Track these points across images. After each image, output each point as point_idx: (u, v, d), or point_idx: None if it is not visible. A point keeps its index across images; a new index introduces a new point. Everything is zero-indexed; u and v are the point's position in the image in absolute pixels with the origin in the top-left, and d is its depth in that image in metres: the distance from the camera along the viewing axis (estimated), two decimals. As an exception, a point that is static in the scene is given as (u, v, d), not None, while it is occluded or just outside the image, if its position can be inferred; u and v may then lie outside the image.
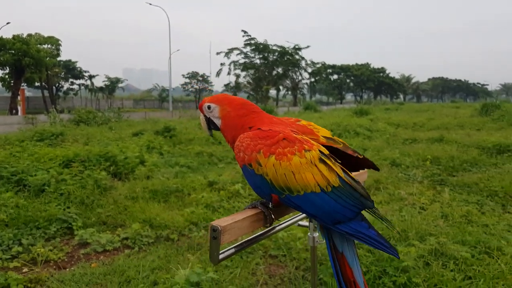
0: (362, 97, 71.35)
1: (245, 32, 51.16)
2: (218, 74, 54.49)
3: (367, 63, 70.68)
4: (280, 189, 1.29)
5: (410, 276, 2.94)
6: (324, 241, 1.35)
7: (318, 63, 57.43)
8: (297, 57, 53.05)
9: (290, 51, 52.43)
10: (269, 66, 53.45)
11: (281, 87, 56.97)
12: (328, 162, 1.30)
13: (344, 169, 1.34)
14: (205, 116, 1.54)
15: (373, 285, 3.03)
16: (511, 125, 14.67)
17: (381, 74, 70.65)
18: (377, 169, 1.50)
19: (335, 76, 67.61)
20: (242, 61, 52.74)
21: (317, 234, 1.73)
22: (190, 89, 59.96)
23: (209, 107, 1.50)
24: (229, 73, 53.29)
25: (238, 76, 53.51)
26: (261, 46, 51.63)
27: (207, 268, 3.42)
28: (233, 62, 52.46)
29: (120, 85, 57.12)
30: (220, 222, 1.22)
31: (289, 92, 58.22)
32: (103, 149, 7.39)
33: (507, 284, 2.81)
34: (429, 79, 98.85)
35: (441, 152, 8.80)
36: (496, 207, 5.26)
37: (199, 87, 59.32)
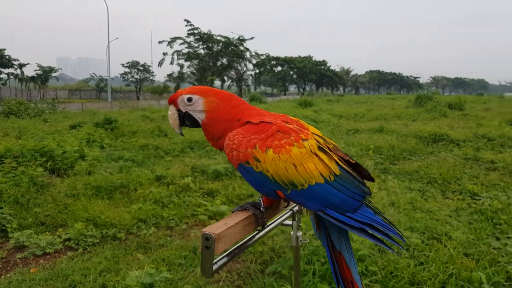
0: (305, 89, 72.81)
1: (188, 21, 50.08)
2: (160, 63, 52.98)
3: (310, 56, 72.12)
4: (284, 185, 1.19)
5: (367, 265, 2.99)
6: (308, 240, 1.28)
7: (262, 54, 57.59)
8: (241, 48, 52.87)
9: (234, 42, 52.14)
10: (214, 57, 52.84)
11: (226, 78, 56.60)
12: (326, 150, 1.24)
13: (342, 154, 1.28)
14: (178, 110, 1.35)
15: (331, 275, 3.04)
16: (442, 116, 15.65)
17: (323, 67, 72.42)
18: (372, 179, 1.34)
19: (279, 68, 68.23)
20: (185, 51, 51.64)
21: (300, 233, 1.65)
22: (130, 79, 57.71)
23: (189, 99, 1.32)
24: (172, 63, 51.95)
25: (181, 66, 52.37)
26: (205, 36, 50.84)
27: (160, 268, 3.26)
28: (176, 51, 51.20)
29: (53, 74, 53.62)
30: (212, 229, 1.09)
31: (234, 83, 58.02)
32: (38, 143, 6.85)
33: (457, 268, 2.94)
34: (366, 72, 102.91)
35: (382, 142, 9.15)
36: (437, 193, 5.54)
37: (140, 76, 57.26)
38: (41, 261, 3.61)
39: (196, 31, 50.97)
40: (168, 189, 5.58)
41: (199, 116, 1.33)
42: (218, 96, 1.33)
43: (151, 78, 58.41)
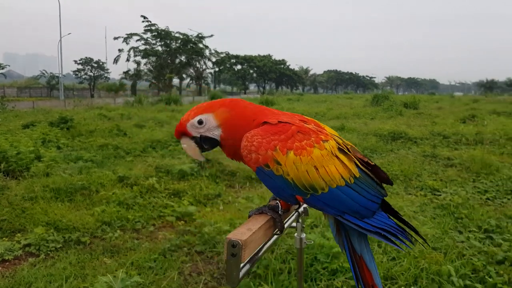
0: (265, 87, 73.29)
1: (144, 17, 48.99)
2: (116, 60, 51.57)
3: (269, 55, 72.70)
4: (304, 189, 1.15)
5: (341, 262, 3.01)
6: (312, 242, 1.25)
7: (222, 52, 57.45)
8: (200, 45, 52.43)
9: (193, 39, 51.59)
10: (172, 54, 52.06)
11: (184, 76, 55.92)
12: (346, 151, 1.21)
13: (360, 155, 1.26)
14: (193, 138, 1.24)
15: (306, 272, 3.04)
16: (399, 114, 16.19)
17: (282, 66, 73.21)
18: (390, 182, 1.31)
19: (239, 67, 68.33)
20: (142, 47, 50.51)
21: (304, 235, 1.61)
22: (84, 76, 55.55)
23: (200, 122, 1.22)
24: (128, 60, 50.72)
25: (138, 63, 51.21)
26: (163, 33, 49.98)
27: (130, 272, 3.13)
28: (133, 48, 50.03)
29: (0, 71, 50.76)
30: (237, 235, 1.03)
31: (193, 81, 57.44)
32: (-12, 143, 6.43)
33: (427, 262, 3.02)
34: (324, 72, 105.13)
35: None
36: (400, 189, 5.70)
37: (93, 74, 55.25)
38: (0, 268, 3.37)
39: (153, 28, 49.97)
40: (132, 190, 5.39)
41: (216, 133, 1.24)
42: (227, 105, 1.26)
43: (105, 75, 56.48)
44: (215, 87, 69.50)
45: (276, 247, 3.30)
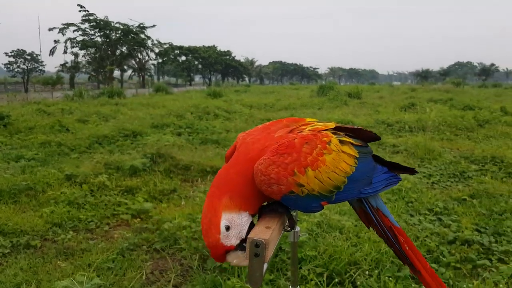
0: (211, 79, 72.63)
1: (81, 6, 46.51)
2: (52, 52, 48.63)
3: (214, 46, 71.94)
4: (329, 193, 1.17)
5: (306, 251, 3.05)
6: (306, 235, 1.25)
7: (165, 43, 55.99)
8: (142, 36, 50.77)
9: (134, 30, 49.83)
10: (112, 45, 49.96)
11: (126, 68, 53.99)
12: (344, 139, 1.26)
13: (346, 128, 1.34)
14: (238, 246, 1.07)
15: (271, 263, 3.06)
16: (344, 104, 16.73)
17: (228, 57, 72.82)
18: (378, 138, 1.41)
19: (183, 58, 67.07)
20: (80, 38, 48.00)
21: (298, 228, 1.59)
22: (16, 69, 51.90)
23: (227, 228, 1.05)
24: (65, 52, 47.99)
25: (76, 55, 48.64)
26: (102, 23, 47.79)
27: (88, 274, 2.97)
28: (70, 39, 47.37)
29: None
30: (259, 234, 0.98)
31: (136, 73, 55.65)
32: None
33: (386, 245, 3.14)
34: (270, 63, 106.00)
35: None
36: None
37: (27, 67, 51.79)
38: None
39: (91, 18, 47.63)
40: (82, 188, 5.13)
41: (246, 219, 1.10)
42: (231, 183, 1.12)
43: (40, 68, 53.18)
44: (158, 79, 67.86)
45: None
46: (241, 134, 1.36)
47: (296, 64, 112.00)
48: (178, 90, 38.82)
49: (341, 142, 1.23)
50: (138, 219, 4.39)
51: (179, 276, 3.15)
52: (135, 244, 3.67)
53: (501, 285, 2.72)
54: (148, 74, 57.13)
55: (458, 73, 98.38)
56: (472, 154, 6.70)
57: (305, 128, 1.25)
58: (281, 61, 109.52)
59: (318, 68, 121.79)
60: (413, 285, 2.76)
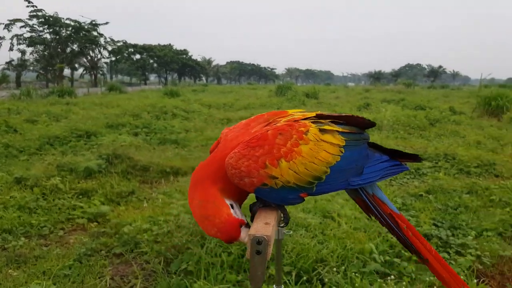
0: (167, 78, 71.36)
1: (29, 1, 44.17)
2: (-4, 49, 45.84)
3: (170, 44, 70.72)
4: (308, 184, 1.11)
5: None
6: (291, 232, 1.21)
7: (119, 41, 54.27)
8: (94, 33, 48.98)
9: (86, 27, 47.97)
10: (62, 42, 47.84)
11: (77, 66, 51.88)
12: (327, 127, 1.20)
13: (334, 116, 1.29)
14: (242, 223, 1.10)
15: (239, 264, 3.01)
16: (302, 104, 16.97)
17: (184, 56, 71.80)
18: (374, 124, 1.36)
19: (138, 56, 65.39)
20: (27, 35, 45.60)
21: (283, 225, 1.54)
22: (-43, 67, 48.51)
23: (232, 206, 1.13)
24: (11, 49, 45.40)
25: (23, 52, 46.13)
26: (51, 19, 45.63)
27: (43, 283, 2.79)
28: (16, 36, 44.88)
29: None
30: (260, 231, 0.94)
31: (87, 72, 53.63)
32: None
33: (351, 242, 3.18)
34: (227, 63, 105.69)
35: (255, 130, 9.48)
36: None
37: (-31, 64, 48.54)
38: None
39: (39, 13, 45.38)
40: (33, 192, 4.84)
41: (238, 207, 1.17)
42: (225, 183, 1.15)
43: (-17, 65, 49.98)
44: (111, 78, 65.83)
45: (207, 240, 3.21)
46: (225, 130, 1.35)
47: (253, 64, 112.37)
48: (132, 89, 37.79)
49: (322, 130, 1.19)
50: (95, 223, 4.19)
51: (143, 281, 3.03)
52: (93, 249, 3.50)
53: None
54: (101, 72, 55.20)
55: (409, 74, 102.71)
56: (426, 151, 6.97)
57: (281, 120, 1.22)
58: (238, 61, 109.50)
59: (275, 69, 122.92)
60: (378, 280, 2.81)
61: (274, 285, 1.68)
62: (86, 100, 16.93)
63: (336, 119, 1.28)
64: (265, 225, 0.99)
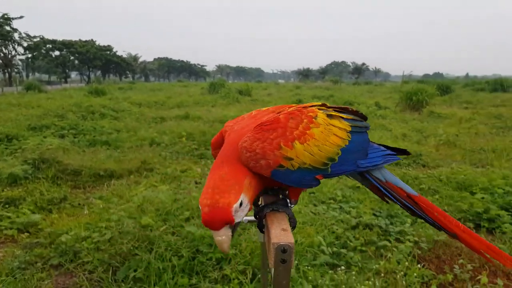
0: (90, 76, 67.73)
1: None
2: None
3: (92, 40, 67.14)
4: (323, 166, 1.14)
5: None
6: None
7: (35, 36, 50.60)
8: (7, 28, 45.12)
9: (-3, 21, 44.01)
10: (-31, 38, 43.52)
11: (-12, 64, 47.51)
12: (333, 113, 1.26)
13: (337, 108, 1.32)
14: (231, 226, 1.02)
15: (190, 266, 2.93)
16: (236, 101, 17.01)
17: (108, 52, 68.60)
18: (365, 117, 1.39)
19: (57, 53, 61.32)
20: None
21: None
22: None
23: (241, 204, 1.02)
24: None
25: None
26: (-46, 12, 41.27)
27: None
28: None
29: None
30: (283, 238, 0.89)
31: (0, 70, 49.30)
32: None
33: (301, 236, 3.24)
34: (155, 59, 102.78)
35: (192, 128, 9.29)
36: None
37: None
38: None
39: None
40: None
41: (247, 208, 1.06)
42: (230, 162, 1.09)
43: None
44: (27, 76, 61.19)
45: (155, 245, 3.08)
46: (228, 123, 1.33)
47: (183, 61, 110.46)
48: (52, 88, 35.36)
49: (330, 116, 1.24)
50: (26, 234, 3.85)
51: (87, 292, 2.83)
52: (27, 262, 3.21)
53: (406, 263, 2.99)
54: (16, 70, 51.05)
55: (335, 71, 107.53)
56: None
57: (289, 109, 1.24)
58: (167, 58, 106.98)
59: (205, 66, 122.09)
60: (329, 271, 2.88)
61: None
62: (1, 101, 15.51)
63: (338, 109, 1.33)
64: (283, 232, 0.95)
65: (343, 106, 1.36)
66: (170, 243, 3.11)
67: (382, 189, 1.32)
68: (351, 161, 1.23)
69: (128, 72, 78.17)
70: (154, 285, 2.74)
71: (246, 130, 1.16)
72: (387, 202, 1.40)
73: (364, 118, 1.39)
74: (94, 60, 64.66)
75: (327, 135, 1.18)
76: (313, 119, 1.18)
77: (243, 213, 1.04)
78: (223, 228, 0.99)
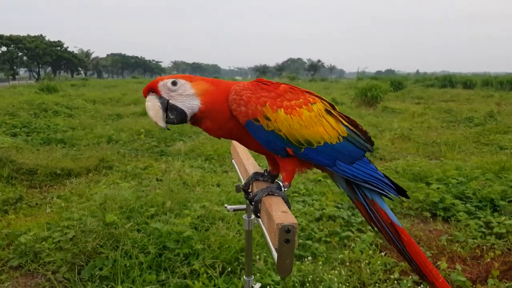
0: (39, 72, 64.62)
1: None
2: None
3: (42, 35, 64.05)
4: (298, 144, 1.15)
5: (192, 244, 2.98)
6: (257, 223, 1.18)
7: (-22, 30, 47.50)
8: None
9: None
10: None
11: None
12: (334, 113, 1.26)
13: (344, 116, 1.31)
14: (160, 98, 1.14)
15: (157, 263, 2.90)
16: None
17: (59, 48, 65.75)
18: (372, 142, 1.35)
19: (4, 48, 58.04)
20: None
21: (253, 217, 1.48)
22: None
23: (174, 83, 1.14)
24: None
25: None
26: None
27: None
28: None
29: None
30: (286, 219, 0.91)
31: None
32: None
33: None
34: (108, 55, 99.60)
35: (151, 125, 9.10)
36: (217, 167, 5.98)
37: None
38: None
39: None
40: None
41: (191, 103, 1.14)
42: (205, 80, 1.20)
43: None
44: (-30, 73, 57.62)
45: (120, 243, 3.02)
46: None
47: (137, 57, 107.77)
48: (-1, 85, 33.46)
49: (328, 112, 1.25)
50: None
51: (49, 293, 2.74)
52: (-20, 266, 3.05)
53: (369, 252, 3.11)
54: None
55: (291, 68, 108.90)
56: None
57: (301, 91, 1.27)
58: (121, 53, 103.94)
59: (161, 62, 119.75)
60: (296, 262, 2.95)
61: (244, 276, 1.67)
62: None
63: (346, 119, 1.31)
64: (284, 214, 0.97)
65: (353, 120, 1.33)
66: (136, 240, 3.06)
67: (367, 208, 1.31)
68: (330, 156, 1.22)
69: (80, 68, 75.32)
70: (122, 283, 2.69)
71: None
72: (373, 227, 1.37)
73: (370, 141, 1.35)
74: (44, 56, 61.77)
75: (314, 123, 1.19)
76: (309, 104, 1.21)
77: (178, 96, 1.13)
78: (148, 94, 1.15)
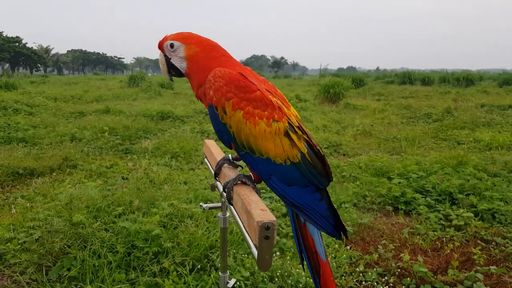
0: (-4, 68, 61.62)
1: None
2: None
3: (-2, 30, 61.08)
4: (241, 146, 1.22)
5: (161, 242, 2.99)
6: (234, 219, 1.23)
7: None
8: None
9: None
10: None
11: None
12: (294, 136, 1.22)
13: (310, 142, 1.26)
14: (165, 56, 1.35)
15: (125, 262, 2.89)
16: (158, 95, 16.61)
17: (17, 44, 62.93)
18: (330, 178, 1.30)
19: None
20: None
21: (228, 214, 1.51)
22: None
23: (171, 46, 1.32)
24: None
25: None
26: None
27: None
28: None
29: None
30: (265, 216, 0.97)
31: None
32: None
33: (235, 226, 3.33)
34: (68, 51, 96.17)
35: (114, 123, 8.96)
36: (183, 165, 5.97)
37: None
38: None
39: None
40: None
41: (182, 65, 1.32)
42: (199, 45, 1.31)
43: None
44: None
45: (88, 242, 2.99)
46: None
47: (99, 53, 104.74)
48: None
49: (286, 134, 1.21)
50: None
51: (15, 296, 2.68)
52: None
53: (336, 245, 3.23)
54: None
55: (255, 65, 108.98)
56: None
57: (283, 103, 1.29)
58: (81, 50, 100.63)
59: (123, 58, 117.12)
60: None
61: (219, 273, 1.71)
62: None
63: (315, 149, 1.27)
64: (263, 212, 1.02)
65: (322, 153, 1.27)
66: (104, 240, 3.04)
67: (292, 224, 1.30)
68: (266, 171, 1.21)
69: (39, 65, 72.41)
70: (91, 283, 2.68)
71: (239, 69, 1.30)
72: (300, 255, 1.32)
73: (328, 176, 1.29)
74: (1, 53, 58.94)
75: (266, 137, 1.18)
76: (271, 120, 1.19)
77: (176, 57, 1.32)
78: (160, 51, 1.37)
